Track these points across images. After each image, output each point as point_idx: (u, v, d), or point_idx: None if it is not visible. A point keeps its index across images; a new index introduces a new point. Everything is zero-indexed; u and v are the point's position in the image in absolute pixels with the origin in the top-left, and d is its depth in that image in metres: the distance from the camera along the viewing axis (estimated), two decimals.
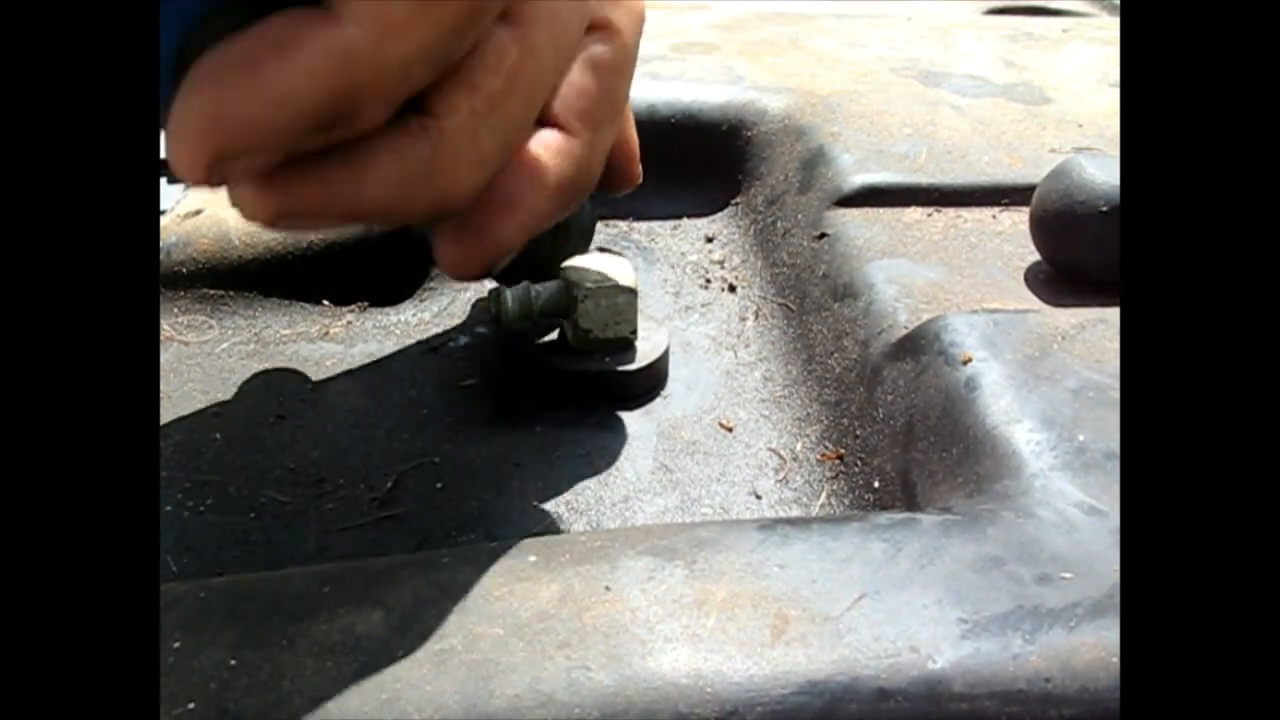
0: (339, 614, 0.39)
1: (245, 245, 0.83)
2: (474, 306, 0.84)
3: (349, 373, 0.75)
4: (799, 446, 0.69)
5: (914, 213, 0.81)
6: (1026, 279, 0.71)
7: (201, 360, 0.77)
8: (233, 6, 0.45)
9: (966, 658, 0.38)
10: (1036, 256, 0.73)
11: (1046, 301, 0.68)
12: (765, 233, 0.90)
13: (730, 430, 0.71)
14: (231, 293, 0.82)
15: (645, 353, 0.74)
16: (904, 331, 0.65)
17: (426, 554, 0.44)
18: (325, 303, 0.83)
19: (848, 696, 0.37)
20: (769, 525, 0.45)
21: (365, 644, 0.38)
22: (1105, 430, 0.50)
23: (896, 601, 0.40)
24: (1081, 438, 0.50)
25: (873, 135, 0.90)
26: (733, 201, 0.98)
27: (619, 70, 0.52)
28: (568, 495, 0.64)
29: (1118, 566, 0.42)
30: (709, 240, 0.95)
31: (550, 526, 0.62)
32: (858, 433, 0.65)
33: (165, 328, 0.79)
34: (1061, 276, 0.71)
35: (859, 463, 0.64)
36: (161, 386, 0.72)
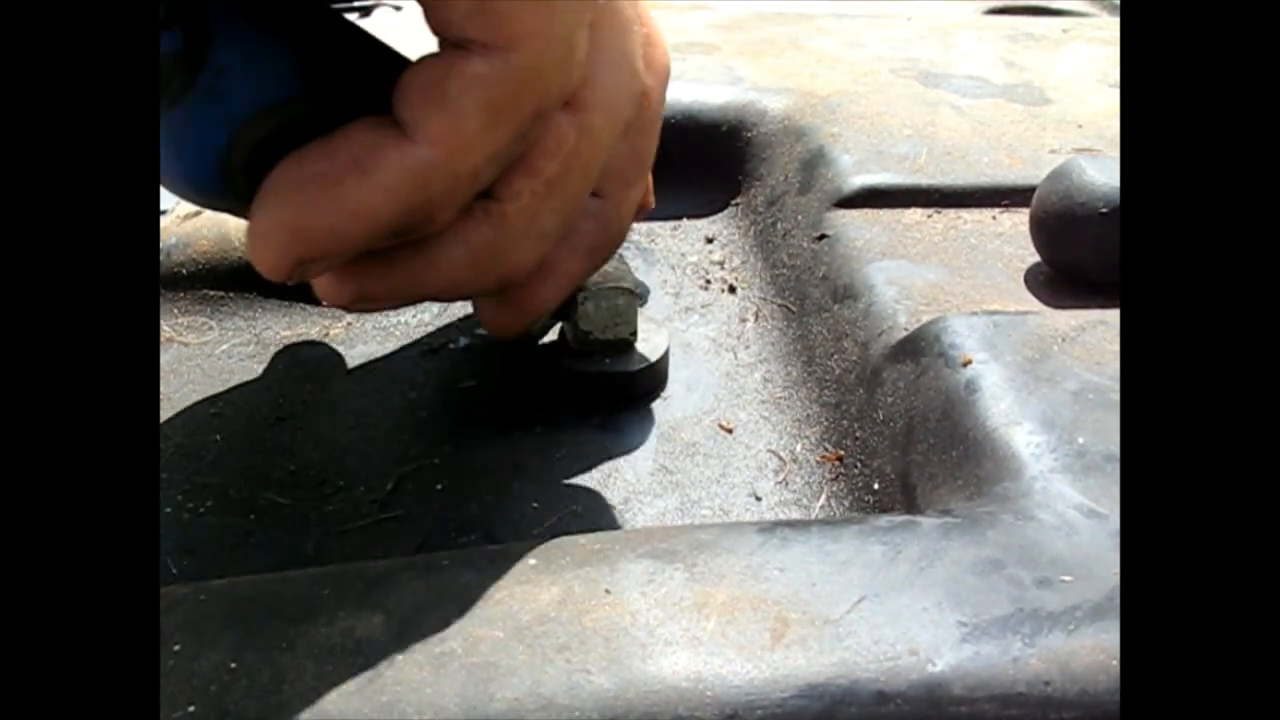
0: (339, 616, 0.39)
1: (245, 246, 0.83)
2: (474, 308, 0.84)
3: (349, 374, 0.75)
4: (799, 448, 0.69)
5: (914, 214, 0.81)
6: (1026, 280, 0.71)
7: (201, 361, 0.77)
8: (285, 106, 0.46)
9: (966, 661, 0.38)
10: (1036, 258, 0.73)
11: (1046, 303, 0.68)
12: (765, 234, 0.90)
13: (730, 432, 0.71)
14: (231, 294, 0.82)
15: (645, 354, 0.74)
16: (904, 333, 0.65)
17: (427, 556, 0.44)
18: (325, 303, 0.83)
19: (847, 699, 0.37)
20: (769, 528, 0.45)
21: (365, 646, 0.38)
22: (1105, 432, 0.50)
23: (896, 604, 0.40)
24: (1081, 440, 0.50)
25: (873, 136, 0.90)
26: (733, 202, 0.98)
27: (649, 131, 0.53)
28: (567, 497, 0.64)
29: (1117, 569, 0.42)
30: (709, 241, 0.95)
31: (550, 529, 0.62)
32: (857, 434, 0.65)
33: (165, 329, 0.79)
34: (1061, 278, 0.71)
35: (859, 465, 0.64)
36: (161, 387, 0.72)
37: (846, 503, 0.64)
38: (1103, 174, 0.67)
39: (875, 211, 0.81)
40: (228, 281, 0.82)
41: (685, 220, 0.97)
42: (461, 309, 0.84)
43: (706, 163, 0.98)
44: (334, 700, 0.36)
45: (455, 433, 0.69)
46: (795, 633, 0.39)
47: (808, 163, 0.89)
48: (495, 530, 0.62)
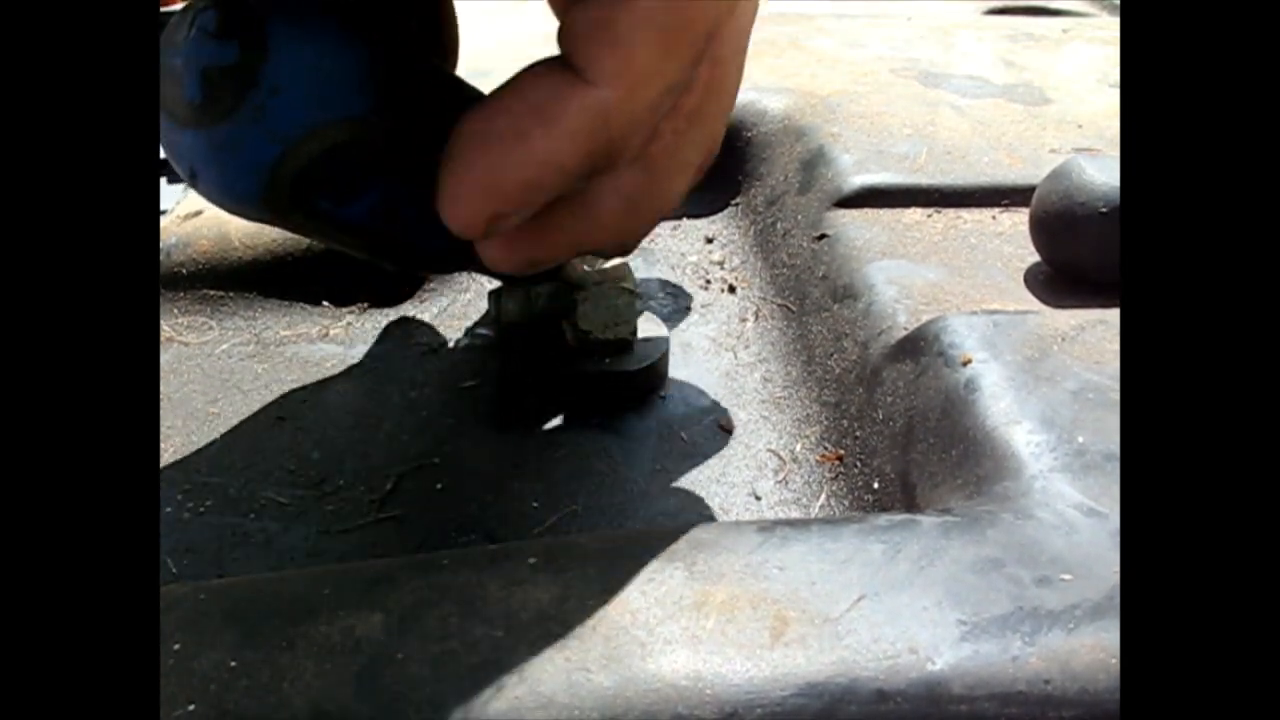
0: (339, 616, 0.39)
1: (245, 246, 0.83)
2: (474, 308, 0.84)
3: (349, 374, 0.75)
4: (798, 447, 0.69)
5: (914, 214, 0.81)
6: (1026, 280, 0.71)
7: (201, 361, 0.77)
8: (335, 126, 0.47)
9: (966, 659, 0.38)
10: (1036, 257, 0.73)
11: (1046, 303, 0.68)
12: (765, 233, 0.90)
13: (730, 431, 0.71)
14: (231, 293, 0.82)
15: (645, 354, 0.74)
16: (904, 333, 0.65)
17: (426, 556, 0.44)
18: (325, 303, 0.83)
19: (847, 698, 0.37)
20: (768, 527, 0.45)
21: (365, 646, 0.38)
22: (1105, 432, 0.50)
23: (896, 603, 0.40)
24: (1081, 439, 0.50)
25: (873, 136, 0.90)
26: (733, 202, 0.98)
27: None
28: (567, 497, 0.64)
29: (1117, 568, 0.42)
30: (709, 241, 0.95)
31: (550, 528, 0.62)
32: (857, 434, 0.65)
33: (165, 328, 0.79)
34: (1061, 277, 0.71)
35: (858, 464, 0.64)
36: (161, 387, 0.72)
37: (846, 502, 0.64)
38: (1103, 174, 0.67)
39: (875, 211, 0.81)
40: (228, 281, 0.82)
41: (685, 220, 0.97)
42: (461, 309, 0.84)
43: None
44: (334, 700, 0.36)
45: (455, 432, 0.69)
46: (795, 631, 0.39)
47: (808, 162, 0.89)
48: (495, 530, 0.62)
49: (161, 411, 0.70)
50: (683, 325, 0.83)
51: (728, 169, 0.98)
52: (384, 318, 0.82)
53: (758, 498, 0.65)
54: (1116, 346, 0.58)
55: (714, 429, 0.71)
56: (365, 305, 0.83)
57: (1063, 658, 0.38)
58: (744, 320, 0.83)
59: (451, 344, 0.79)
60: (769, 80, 1.03)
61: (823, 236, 0.80)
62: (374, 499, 0.64)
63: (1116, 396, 0.53)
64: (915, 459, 0.58)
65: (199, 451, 0.67)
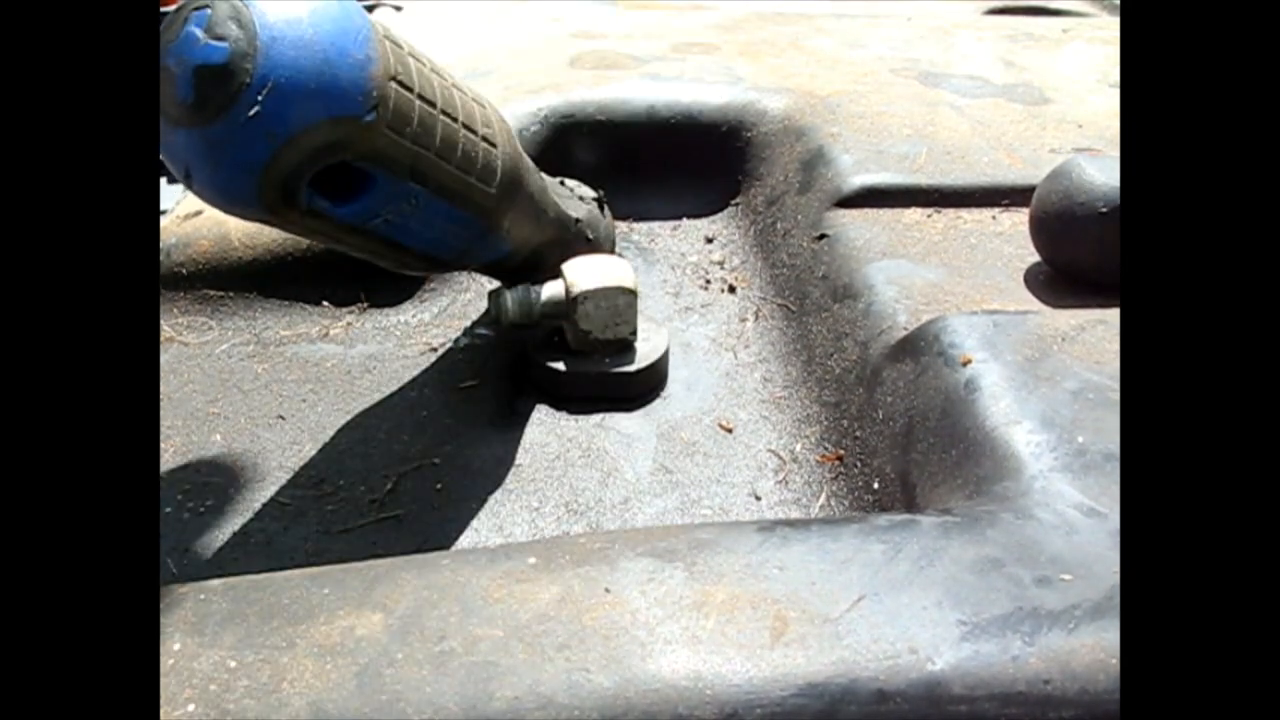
0: (339, 616, 0.39)
1: (245, 246, 0.83)
2: (474, 308, 0.84)
3: (349, 373, 0.75)
4: (799, 448, 0.69)
5: (914, 214, 0.81)
6: (1026, 280, 0.71)
7: (201, 361, 0.77)
8: (328, 125, 0.47)
9: (966, 659, 0.38)
10: (1036, 257, 0.73)
11: (1046, 303, 0.68)
12: (765, 233, 0.90)
13: (730, 431, 0.71)
14: (231, 293, 0.82)
15: (645, 354, 0.74)
16: (904, 333, 0.65)
17: (426, 556, 0.44)
18: (325, 303, 0.83)
19: (847, 698, 0.37)
20: (768, 527, 0.45)
21: (365, 646, 0.38)
22: (1105, 432, 0.50)
23: (896, 603, 0.40)
24: (1081, 439, 0.50)
25: (872, 136, 0.90)
26: (733, 202, 0.98)
27: None
28: (567, 496, 0.64)
29: (1117, 568, 0.42)
30: (709, 241, 0.95)
31: (550, 528, 0.62)
32: (857, 434, 0.65)
33: (165, 328, 0.79)
34: (1061, 277, 0.71)
35: (859, 464, 0.64)
36: (162, 387, 0.73)
37: (846, 502, 0.64)
38: (1103, 174, 0.67)
39: (875, 211, 0.81)
40: (228, 281, 0.82)
41: (685, 220, 0.97)
42: (461, 309, 0.84)
43: (706, 162, 0.98)
44: (334, 699, 0.36)
45: (455, 432, 0.69)
46: (795, 631, 0.39)
47: (808, 163, 0.89)
48: (495, 529, 0.62)
49: (161, 411, 0.70)
50: (683, 325, 0.83)
51: (728, 169, 0.98)
52: (384, 318, 0.82)
53: (758, 498, 0.65)
54: (1116, 346, 0.58)
55: (714, 429, 0.71)
56: (365, 305, 0.83)
57: (1063, 658, 0.38)
58: (744, 320, 0.83)
59: (451, 344, 0.79)
60: (769, 80, 1.03)
61: (823, 236, 0.80)
62: (374, 499, 0.64)
63: (1116, 396, 0.53)
64: (915, 459, 0.58)
65: (199, 451, 0.67)
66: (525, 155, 0.68)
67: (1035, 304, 0.68)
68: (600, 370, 0.73)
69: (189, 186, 0.49)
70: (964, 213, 0.81)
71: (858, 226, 0.79)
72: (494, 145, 0.61)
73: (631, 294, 0.72)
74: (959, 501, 0.51)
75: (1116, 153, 0.84)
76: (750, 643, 0.39)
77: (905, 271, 0.72)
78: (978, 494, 0.50)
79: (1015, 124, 0.95)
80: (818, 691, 0.37)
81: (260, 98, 0.45)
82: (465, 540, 0.61)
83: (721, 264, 0.91)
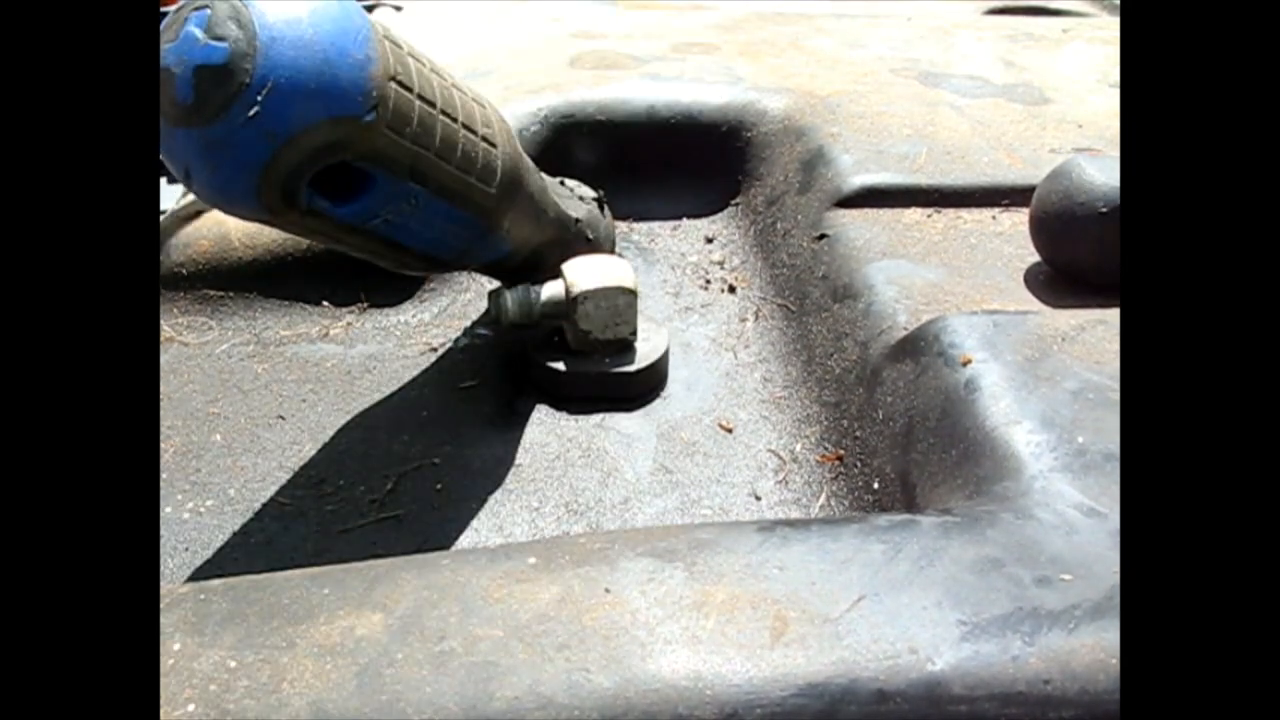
0: (339, 616, 0.39)
1: (245, 246, 0.83)
2: (474, 308, 0.84)
3: (349, 373, 0.75)
4: (799, 448, 0.69)
5: (914, 214, 0.81)
6: (1026, 280, 0.71)
7: (201, 361, 0.77)
8: (328, 125, 0.47)
9: (966, 659, 0.38)
10: (1036, 257, 0.73)
11: (1046, 303, 0.68)
12: (765, 233, 0.90)
13: (730, 431, 0.71)
14: (231, 293, 0.82)
15: (645, 354, 0.74)
16: (904, 333, 0.65)
17: (426, 556, 0.44)
18: (325, 304, 0.83)
19: (847, 698, 0.37)
20: (768, 527, 0.45)
21: (365, 646, 0.38)
22: (1105, 432, 0.50)
23: (896, 603, 0.40)
24: (1081, 439, 0.50)
25: (872, 136, 0.90)
26: (733, 202, 0.98)
27: None
28: (568, 496, 0.64)
29: (1117, 568, 0.42)
30: (709, 241, 0.95)
31: (550, 528, 0.62)
32: (857, 434, 0.65)
33: (165, 328, 0.79)
34: (1061, 277, 0.71)
35: (859, 464, 0.64)
36: (162, 387, 0.73)
37: (846, 502, 0.64)
38: (1103, 174, 0.67)
39: (875, 211, 0.81)
40: (228, 281, 0.82)
41: (685, 220, 0.97)
42: (461, 309, 0.84)
43: (706, 162, 0.98)
44: (334, 699, 0.36)
45: (455, 432, 0.69)
46: (795, 631, 0.39)
47: (808, 163, 0.89)
48: (495, 530, 0.62)
49: (161, 411, 0.70)
50: (683, 325, 0.83)
51: (728, 169, 0.98)
52: (384, 318, 0.82)
53: (758, 498, 0.65)
54: (1116, 346, 0.58)
55: (714, 429, 0.71)
56: (365, 305, 0.83)
57: (1063, 658, 0.38)
58: (744, 320, 0.83)
59: (451, 344, 0.79)
60: (769, 80, 1.03)
61: (823, 236, 0.80)
62: (374, 499, 0.64)
63: (1116, 396, 0.53)
64: (915, 459, 0.58)
65: (199, 452, 0.67)
66: (525, 155, 0.68)
67: (1035, 304, 0.68)
68: (600, 370, 0.73)
69: (189, 186, 0.49)
70: (964, 213, 0.81)
71: (858, 226, 0.79)
72: (494, 145, 0.61)
73: (631, 294, 0.72)
74: (959, 501, 0.51)
75: (1116, 153, 0.84)
76: (750, 643, 0.39)
77: (905, 271, 0.72)
78: (978, 494, 0.50)
79: (1015, 124, 0.95)
80: (818, 691, 0.37)
81: (260, 98, 0.45)
82: (465, 540, 0.61)
83: (721, 264, 0.91)
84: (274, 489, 0.64)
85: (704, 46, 1.14)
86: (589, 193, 0.82)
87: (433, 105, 0.55)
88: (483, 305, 0.83)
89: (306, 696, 0.36)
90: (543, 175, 0.73)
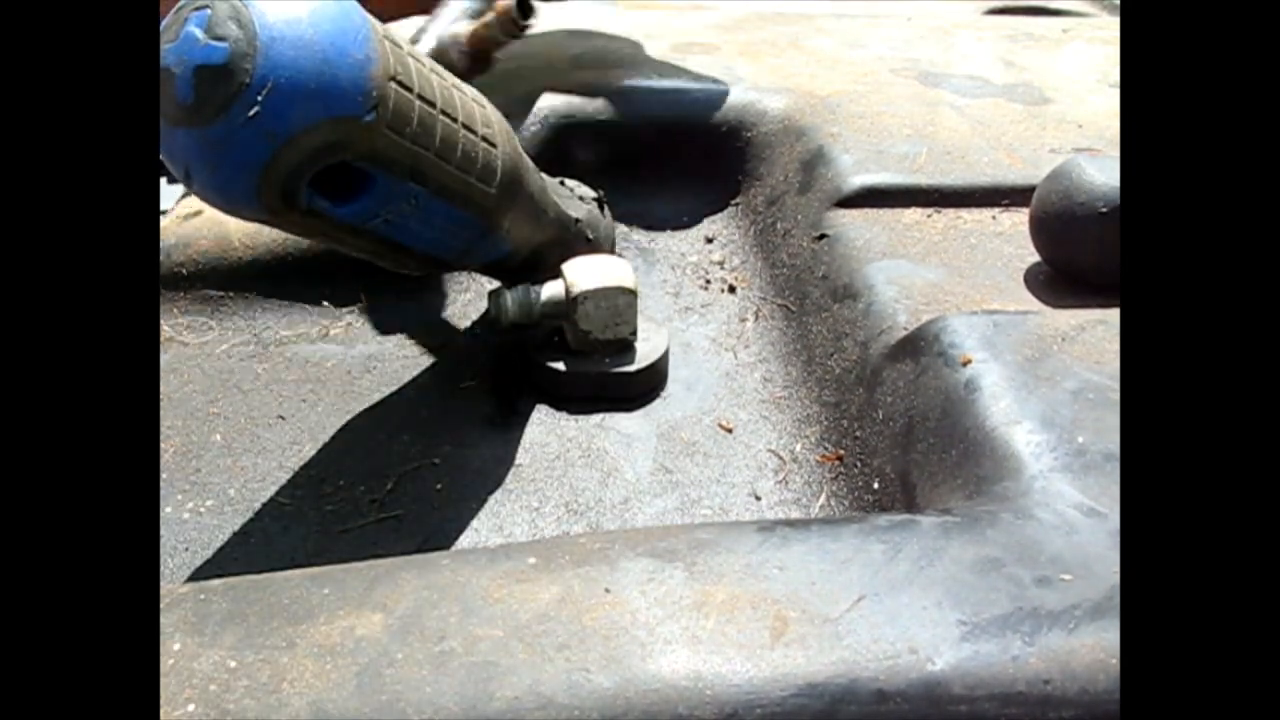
0: (339, 616, 0.39)
1: (245, 246, 0.83)
2: (474, 308, 0.84)
3: (349, 373, 0.75)
4: (799, 447, 0.69)
5: (914, 214, 0.81)
6: (1026, 280, 0.71)
7: (201, 361, 0.77)
8: (328, 125, 0.47)
9: (966, 660, 0.38)
10: (1036, 257, 0.73)
11: (1046, 303, 0.68)
12: (765, 233, 0.90)
13: (730, 431, 0.71)
14: (231, 294, 0.82)
15: (645, 354, 0.74)
16: (904, 333, 0.65)
17: (426, 556, 0.44)
18: (325, 303, 0.83)
19: (847, 698, 0.37)
20: (768, 527, 0.45)
21: (365, 646, 0.38)
22: (1105, 432, 0.50)
23: (896, 603, 0.40)
24: (1081, 439, 0.50)
25: (872, 136, 0.90)
26: (733, 202, 0.98)
27: None
28: (567, 496, 0.64)
29: (1117, 568, 0.42)
30: (709, 241, 0.95)
31: (550, 528, 0.62)
32: (857, 434, 0.65)
33: (165, 328, 0.79)
34: (1061, 278, 0.71)
35: (859, 464, 0.64)
36: (162, 387, 0.73)
37: (846, 502, 0.64)
38: (1103, 174, 0.67)
39: (875, 211, 0.81)
40: (228, 281, 0.82)
41: (685, 220, 0.97)
42: (461, 309, 0.84)
43: (707, 162, 0.98)
44: (334, 699, 0.36)
45: (454, 433, 0.69)
46: (795, 631, 0.39)
47: (807, 163, 0.89)
48: (494, 530, 0.62)
49: (161, 411, 0.70)
50: (683, 325, 0.83)
51: (728, 169, 0.98)
52: (384, 318, 0.82)
53: (758, 498, 0.65)
54: (1116, 346, 0.58)
55: (714, 429, 0.71)
56: (365, 305, 0.83)
57: (1063, 658, 0.38)
58: (744, 320, 0.83)
59: (451, 344, 0.79)
60: (769, 80, 1.03)
61: (823, 236, 0.80)
62: (374, 499, 0.64)
63: (1116, 396, 0.53)
64: (915, 459, 0.58)
65: (199, 451, 0.67)
66: (525, 155, 0.68)
67: (1035, 304, 0.68)
68: (600, 370, 0.73)
69: (189, 187, 0.49)
70: (964, 213, 0.81)
71: (858, 226, 0.79)
72: (494, 145, 0.61)
73: (631, 294, 0.72)
74: (959, 501, 0.51)
75: (1116, 153, 0.84)
76: (750, 643, 0.39)
77: (905, 271, 0.72)
78: (978, 494, 0.50)
79: (1015, 124, 0.95)
80: (818, 691, 0.37)
81: (260, 98, 0.45)
82: (465, 540, 0.61)
83: (721, 264, 0.91)
84: (274, 489, 0.64)
85: (704, 46, 1.14)
86: (589, 193, 0.82)
87: (433, 105, 0.55)
88: (483, 305, 0.83)
89: (306, 696, 0.36)
90: (543, 175, 0.73)
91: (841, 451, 0.66)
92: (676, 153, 0.99)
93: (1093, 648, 0.38)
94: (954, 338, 0.60)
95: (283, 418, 0.71)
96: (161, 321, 0.80)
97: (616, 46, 1.12)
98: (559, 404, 0.73)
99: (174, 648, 0.37)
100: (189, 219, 0.85)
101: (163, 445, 0.67)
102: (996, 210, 0.81)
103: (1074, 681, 0.38)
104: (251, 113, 0.44)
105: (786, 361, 0.77)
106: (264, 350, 0.78)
